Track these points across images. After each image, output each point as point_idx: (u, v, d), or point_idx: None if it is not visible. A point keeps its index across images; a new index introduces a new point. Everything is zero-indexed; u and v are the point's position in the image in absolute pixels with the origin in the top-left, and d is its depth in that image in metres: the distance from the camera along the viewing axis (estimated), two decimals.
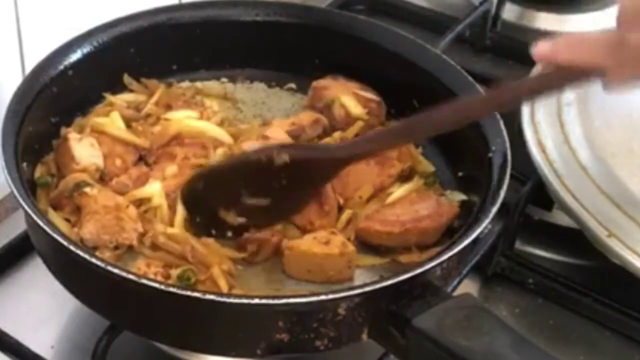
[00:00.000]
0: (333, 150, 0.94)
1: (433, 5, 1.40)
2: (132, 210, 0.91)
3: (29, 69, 0.97)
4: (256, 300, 0.79)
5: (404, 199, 0.96)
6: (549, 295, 1.02)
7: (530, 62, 1.10)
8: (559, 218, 1.06)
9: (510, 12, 1.38)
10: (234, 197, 0.91)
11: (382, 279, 0.84)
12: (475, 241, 0.85)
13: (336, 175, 0.93)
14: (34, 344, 0.91)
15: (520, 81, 0.88)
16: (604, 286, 1.01)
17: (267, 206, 0.91)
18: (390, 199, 0.96)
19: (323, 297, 0.79)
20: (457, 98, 0.97)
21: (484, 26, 1.34)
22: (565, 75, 0.83)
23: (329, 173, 0.92)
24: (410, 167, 1.00)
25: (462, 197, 0.96)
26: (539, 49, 0.83)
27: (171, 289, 0.78)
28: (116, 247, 0.90)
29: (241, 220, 0.91)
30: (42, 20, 1.06)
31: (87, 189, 0.91)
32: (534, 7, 1.38)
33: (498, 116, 0.94)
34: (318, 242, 0.90)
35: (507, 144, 0.92)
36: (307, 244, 0.90)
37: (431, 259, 0.83)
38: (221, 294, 0.81)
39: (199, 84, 1.09)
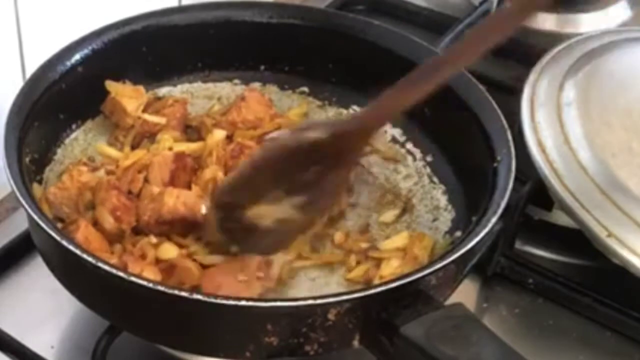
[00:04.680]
0: (361, 119, 0.89)
1: (433, 5, 1.40)
2: (88, 196, 0.93)
3: (29, 67, 0.97)
4: (243, 302, 0.79)
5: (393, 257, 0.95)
6: (549, 295, 1.02)
7: (530, 62, 1.11)
8: (559, 218, 1.05)
9: None
10: (269, 197, 0.86)
11: (372, 286, 0.84)
12: (473, 248, 0.85)
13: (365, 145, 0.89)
14: (34, 344, 0.91)
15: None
16: (604, 286, 1.01)
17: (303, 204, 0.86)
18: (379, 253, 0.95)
19: (311, 302, 0.79)
20: (464, 103, 0.98)
21: None
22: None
23: (360, 146, 0.88)
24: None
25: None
26: None
27: (158, 287, 0.78)
28: (70, 223, 0.91)
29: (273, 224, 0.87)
30: (42, 19, 1.06)
31: (74, 172, 0.93)
32: None
33: (506, 126, 0.94)
34: None
35: (513, 155, 0.92)
36: None
37: (422, 268, 0.83)
38: (208, 295, 0.81)
39: (210, 85, 1.09)
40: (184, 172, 0.97)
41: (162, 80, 1.07)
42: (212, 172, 0.97)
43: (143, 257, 0.88)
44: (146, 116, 1.02)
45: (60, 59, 0.98)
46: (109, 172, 0.97)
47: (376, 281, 0.91)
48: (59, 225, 0.91)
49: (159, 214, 0.91)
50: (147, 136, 1.03)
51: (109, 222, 0.91)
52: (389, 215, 1.00)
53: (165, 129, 1.02)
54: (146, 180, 0.96)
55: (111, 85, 1.02)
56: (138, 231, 0.92)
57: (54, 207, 0.93)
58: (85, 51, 0.99)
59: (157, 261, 0.89)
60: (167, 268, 0.88)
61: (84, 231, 0.89)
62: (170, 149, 0.99)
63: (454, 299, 0.89)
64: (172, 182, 0.95)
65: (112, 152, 1.01)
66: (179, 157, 0.97)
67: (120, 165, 0.97)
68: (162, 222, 0.91)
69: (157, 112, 1.03)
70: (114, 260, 0.87)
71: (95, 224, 0.91)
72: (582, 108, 1.05)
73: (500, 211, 0.86)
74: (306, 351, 0.81)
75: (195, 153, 1.00)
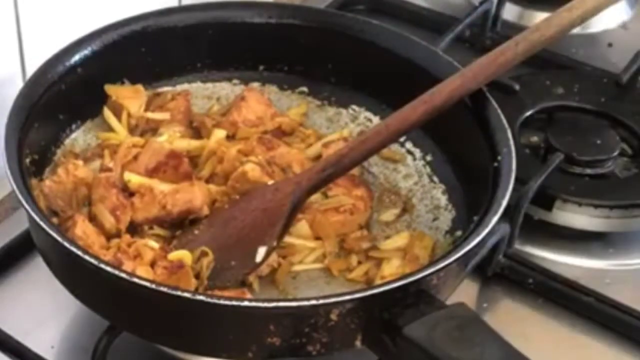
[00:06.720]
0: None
1: (433, 5, 1.40)
2: (84, 191, 0.93)
3: (29, 68, 0.97)
4: (246, 303, 0.79)
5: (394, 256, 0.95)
6: (549, 295, 1.02)
7: (529, 62, 1.11)
8: (559, 218, 1.06)
9: (510, 12, 1.37)
10: None
11: (374, 285, 0.84)
12: (475, 247, 0.85)
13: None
14: (34, 344, 0.91)
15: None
16: (604, 286, 1.01)
17: None
18: (380, 253, 0.95)
19: (313, 302, 0.79)
20: (464, 102, 0.97)
21: (484, 26, 1.33)
22: None
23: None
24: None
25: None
26: None
27: (161, 288, 0.78)
28: (66, 219, 0.91)
29: None
30: (42, 19, 1.06)
31: (70, 165, 0.93)
32: (534, 7, 1.38)
33: (506, 125, 0.94)
34: None
35: (514, 155, 0.91)
36: None
37: (424, 267, 0.83)
38: (211, 295, 0.81)
39: (209, 85, 1.09)
40: (174, 170, 0.97)
41: (162, 80, 1.07)
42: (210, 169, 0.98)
43: (138, 257, 0.88)
44: (150, 114, 1.02)
45: (60, 59, 0.98)
46: (104, 170, 0.97)
47: (377, 281, 0.91)
48: (54, 219, 0.92)
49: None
50: (151, 131, 1.03)
51: (109, 221, 0.91)
52: (389, 214, 1.00)
53: (169, 124, 1.02)
54: (135, 158, 0.97)
55: (110, 89, 1.02)
56: (131, 229, 0.93)
57: (49, 200, 0.93)
58: (85, 52, 0.99)
59: (153, 261, 0.89)
60: (171, 270, 0.88)
61: (81, 226, 0.89)
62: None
63: (453, 299, 0.89)
64: (155, 172, 0.96)
65: (117, 124, 1.01)
66: (175, 155, 0.97)
67: (122, 143, 0.98)
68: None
69: (159, 107, 1.03)
70: (108, 257, 0.87)
71: (92, 219, 0.92)
72: None
73: (501, 210, 0.86)
74: (309, 351, 0.81)
75: (195, 151, 1.00)
